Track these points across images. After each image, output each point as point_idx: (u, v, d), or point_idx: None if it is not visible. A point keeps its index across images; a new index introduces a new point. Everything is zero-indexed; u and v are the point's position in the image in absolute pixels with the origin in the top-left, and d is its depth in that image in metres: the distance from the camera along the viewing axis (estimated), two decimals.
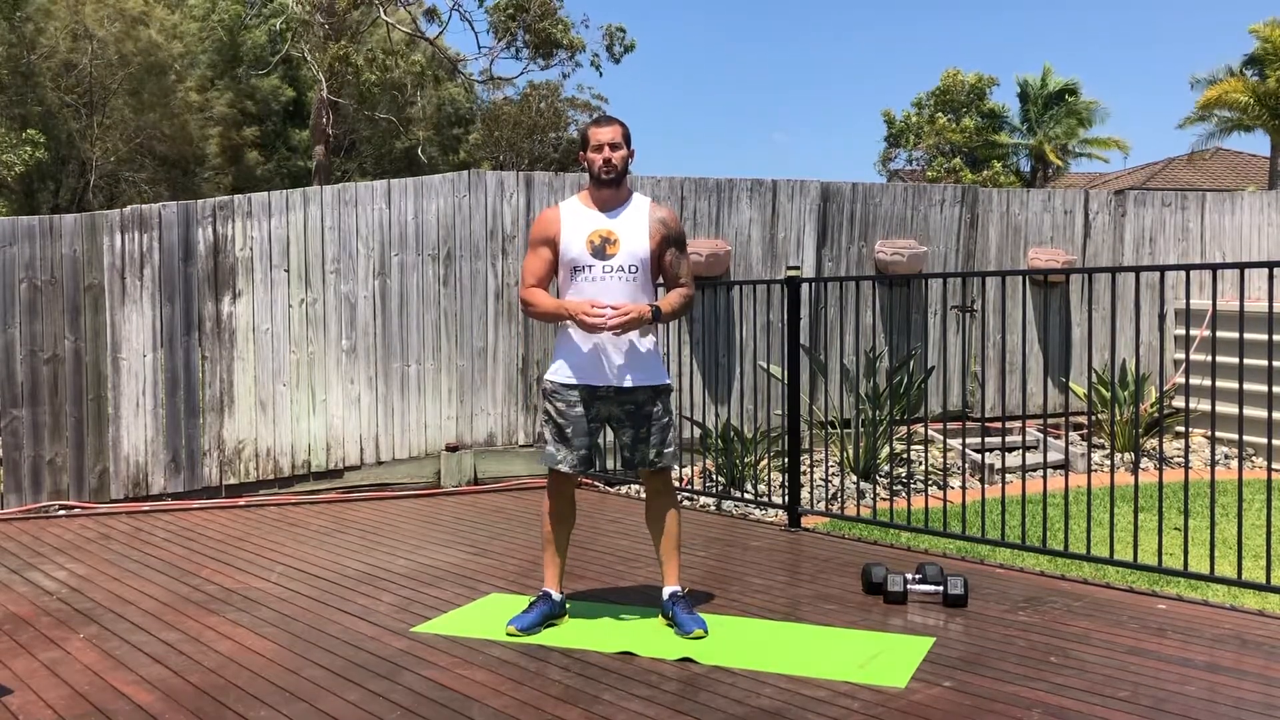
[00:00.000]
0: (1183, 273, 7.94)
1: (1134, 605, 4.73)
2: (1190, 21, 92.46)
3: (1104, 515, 6.50)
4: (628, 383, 4.35)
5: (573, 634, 4.31)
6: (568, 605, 4.53)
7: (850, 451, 8.09)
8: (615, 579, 5.19)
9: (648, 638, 4.23)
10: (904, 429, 8.20)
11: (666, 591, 4.43)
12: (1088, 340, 5.40)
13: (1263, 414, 7.23)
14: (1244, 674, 3.84)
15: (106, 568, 5.51)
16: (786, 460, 6.53)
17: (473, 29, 25.51)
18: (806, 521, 6.54)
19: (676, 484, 5.84)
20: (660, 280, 4.48)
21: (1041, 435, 8.26)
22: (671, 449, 4.46)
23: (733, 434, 7.69)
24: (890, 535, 6.21)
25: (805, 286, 8.02)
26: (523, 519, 6.69)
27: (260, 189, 22.51)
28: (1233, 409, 6.57)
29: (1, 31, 23.92)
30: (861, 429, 7.94)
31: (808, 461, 7.27)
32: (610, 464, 7.37)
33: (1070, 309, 9.91)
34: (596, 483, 7.79)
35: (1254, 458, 9.22)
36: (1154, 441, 9.51)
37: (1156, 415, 9.37)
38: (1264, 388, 4.64)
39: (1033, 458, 8.54)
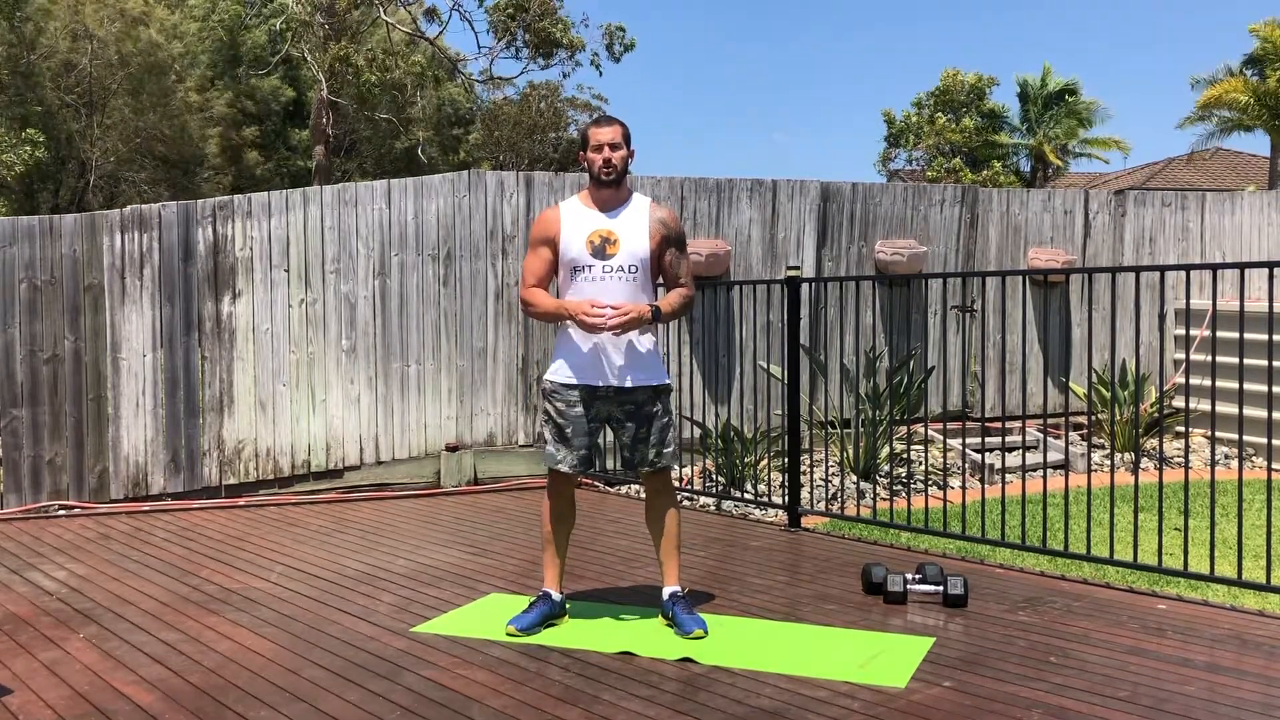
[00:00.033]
0: (1183, 273, 7.94)
1: (1134, 605, 4.73)
2: (1190, 21, 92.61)
3: (1104, 515, 6.50)
4: (628, 383, 4.35)
5: (573, 634, 4.31)
6: (568, 605, 4.53)
7: (850, 451, 8.08)
8: (615, 579, 5.19)
9: (648, 638, 4.23)
10: (904, 429, 8.20)
11: (666, 591, 4.43)
12: (1088, 340, 5.40)
13: (1263, 414, 7.23)
14: (1244, 674, 3.85)
15: (106, 568, 5.51)
16: (786, 460, 6.53)
17: (473, 29, 25.48)
18: (806, 521, 6.54)
19: (676, 484, 5.84)
20: (660, 280, 4.49)
21: (1041, 435, 8.25)
22: (671, 449, 4.46)
23: (733, 434, 7.69)
24: (890, 535, 6.21)
25: (805, 286, 8.02)
26: (522, 519, 6.69)
27: (260, 189, 22.51)
28: (1233, 409, 6.57)
29: (1, 31, 23.91)
30: (861, 429, 7.94)
31: (808, 461, 7.27)
32: (610, 464, 7.37)
33: (1070, 309, 9.91)
34: (596, 483, 7.79)
35: (1254, 458, 9.22)
36: (1154, 441, 9.51)
37: (1156, 415, 9.37)
38: (1264, 388, 4.64)
39: (1033, 458, 8.54)
